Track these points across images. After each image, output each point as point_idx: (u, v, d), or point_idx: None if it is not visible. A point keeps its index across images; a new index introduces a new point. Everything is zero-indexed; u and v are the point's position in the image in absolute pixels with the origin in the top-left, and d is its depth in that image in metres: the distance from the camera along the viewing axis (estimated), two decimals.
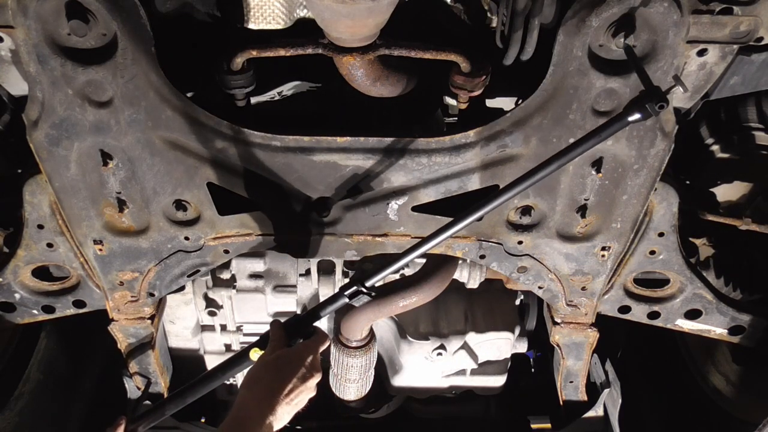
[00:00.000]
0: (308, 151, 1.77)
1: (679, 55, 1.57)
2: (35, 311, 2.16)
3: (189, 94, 1.71)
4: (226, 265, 2.41)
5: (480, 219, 1.77)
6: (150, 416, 1.72)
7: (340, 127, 1.79)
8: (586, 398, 2.48)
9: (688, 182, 2.35)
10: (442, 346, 2.53)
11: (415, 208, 1.89)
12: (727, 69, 1.66)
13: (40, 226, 1.95)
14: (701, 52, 1.61)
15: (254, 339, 2.62)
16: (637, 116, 1.40)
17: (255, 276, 2.45)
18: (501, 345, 2.58)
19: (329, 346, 2.42)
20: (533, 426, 2.71)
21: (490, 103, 1.96)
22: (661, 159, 1.76)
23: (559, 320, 2.23)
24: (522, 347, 2.67)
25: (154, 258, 2.00)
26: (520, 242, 1.97)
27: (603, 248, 1.98)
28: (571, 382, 2.44)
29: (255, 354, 1.64)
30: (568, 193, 1.85)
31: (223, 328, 2.61)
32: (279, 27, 1.70)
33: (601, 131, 1.44)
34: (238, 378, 2.79)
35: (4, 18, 1.51)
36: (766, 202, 2.30)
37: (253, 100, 1.90)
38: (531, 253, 2.01)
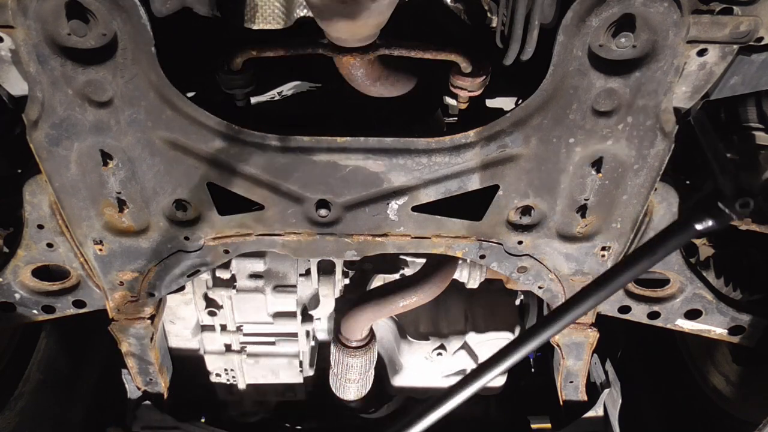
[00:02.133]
0: (308, 151, 1.77)
1: (679, 55, 1.57)
2: (35, 311, 2.16)
3: (189, 94, 1.71)
4: (226, 265, 2.41)
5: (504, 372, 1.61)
6: None
7: (340, 127, 1.79)
8: (586, 398, 2.48)
9: (688, 182, 2.35)
10: (442, 346, 2.53)
11: (415, 208, 1.89)
12: (727, 69, 1.65)
13: (40, 226, 1.95)
14: (701, 52, 1.61)
15: (254, 339, 2.65)
16: (708, 223, 1.06)
17: (255, 276, 2.45)
18: (501, 345, 2.57)
19: (329, 345, 2.42)
20: (533, 426, 2.72)
21: (490, 103, 1.96)
22: (661, 159, 1.76)
23: None
24: None
25: (154, 258, 2.00)
26: (520, 242, 1.97)
27: (603, 248, 1.98)
28: (571, 382, 2.44)
29: None
30: (568, 193, 1.85)
31: (223, 328, 2.61)
32: (279, 27, 1.70)
33: (658, 246, 1.13)
34: (238, 377, 2.79)
35: (4, 18, 1.51)
36: (766, 202, 2.30)
37: (253, 100, 1.90)
38: (531, 253, 2.01)
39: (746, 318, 2.20)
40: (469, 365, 2.62)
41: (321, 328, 2.73)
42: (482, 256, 2.01)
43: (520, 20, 1.55)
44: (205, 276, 2.41)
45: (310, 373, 2.80)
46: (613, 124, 1.69)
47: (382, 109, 1.91)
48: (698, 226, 1.04)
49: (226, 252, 1.99)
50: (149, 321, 2.19)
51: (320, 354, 2.80)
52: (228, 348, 2.69)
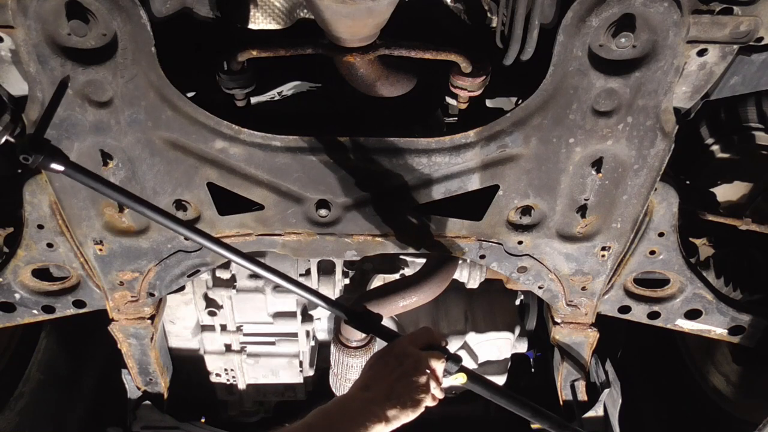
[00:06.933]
0: (308, 151, 1.77)
1: (679, 55, 1.57)
2: (35, 311, 2.16)
3: (189, 94, 1.71)
4: (226, 265, 2.41)
5: None
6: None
7: (340, 127, 1.79)
8: (586, 398, 2.48)
9: (688, 182, 2.35)
10: None
11: (415, 208, 1.89)
12: (727, 69, 1.66)
13: (40, 226, 1.95)
14: (701, 52, 1.61)
15: (254, 339, 2.65)
16: None
17: (255, 276, 2.45)
18: (501, 345, 2.58)
19: (329, 345, 2.42)
20: (533, 426, 2.71)
21: (490, 103, 1.96)
22: (661, 159, 1.76)
23: (559, 320, 2.23)
24: (522, 347, 2.67)
25: (154, 258, 2.00)
26: (520, 242, 1.97)
27: (603, 248, 1.98)
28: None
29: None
30: (568, 193, 1.85)
31: (223, 328, 2.61)
32: (279, 27, 1.70)
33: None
34: (238, 377, 2.79)
35: (4, 18, 1.51)
36: (766, 202, 2.30)
37: (253, 100, 1.90)
38: (531, 253, 2.01)
39: (746, 318, 2.20)
40: (469, 365, 2.62)
41: (321, 328, 2.73)
42: (482, 256, 2.01)
43: (520, 20, 1.55)
44: (205, 276, 2.41)
45: (310, 373, 2.80)
46: (613, 124, 1.69)
47: (382, 109, 1.91)
48: None
49: None
50: (149, 321, 2.19)
51: (320, 354, 2.80)
52: (228, 348, 2.69)
